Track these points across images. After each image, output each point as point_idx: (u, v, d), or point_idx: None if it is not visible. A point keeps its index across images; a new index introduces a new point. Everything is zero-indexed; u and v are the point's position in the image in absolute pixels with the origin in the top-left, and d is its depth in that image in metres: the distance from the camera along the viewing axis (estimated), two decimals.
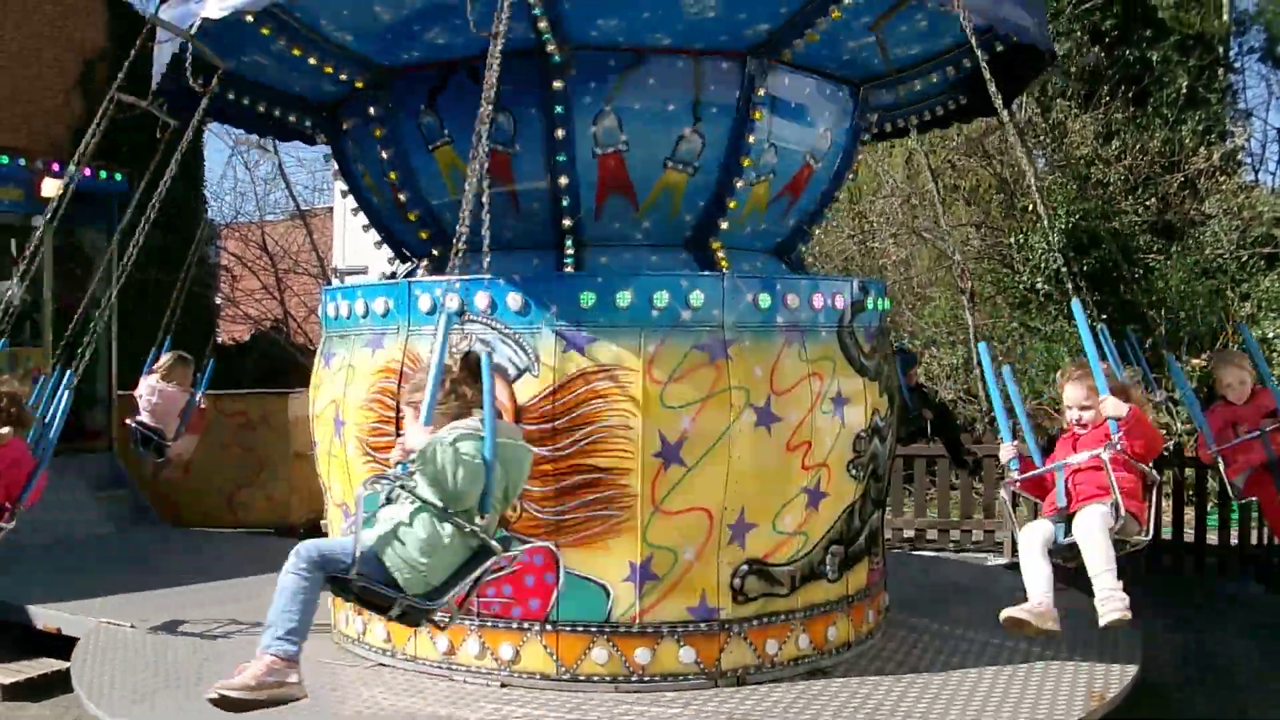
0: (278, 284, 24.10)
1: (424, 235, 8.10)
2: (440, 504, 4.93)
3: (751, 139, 7.57)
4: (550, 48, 7.01)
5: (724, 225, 7.71)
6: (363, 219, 8.91)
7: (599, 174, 7.42)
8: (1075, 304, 6.23)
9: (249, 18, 6.83)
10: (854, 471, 7.39)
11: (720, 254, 7.77)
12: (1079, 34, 19.69)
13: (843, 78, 8.29)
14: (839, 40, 7.49)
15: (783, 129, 7.84)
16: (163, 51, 7.64)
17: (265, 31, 7.17)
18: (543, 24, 6.78)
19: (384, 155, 7.89)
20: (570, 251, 7.58)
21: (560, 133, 7.23)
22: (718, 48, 7.41)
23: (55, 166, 14.76)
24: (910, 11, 7.13)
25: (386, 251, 9.09)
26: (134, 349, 16.52)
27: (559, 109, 7.20)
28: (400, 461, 5.28)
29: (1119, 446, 6.09)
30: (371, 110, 7.91)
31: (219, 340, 21.65)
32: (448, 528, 4.95)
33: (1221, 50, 22.85)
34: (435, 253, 7.97)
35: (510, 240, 7.72)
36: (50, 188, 14.37)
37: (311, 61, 7.56)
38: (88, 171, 15.33)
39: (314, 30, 7.31)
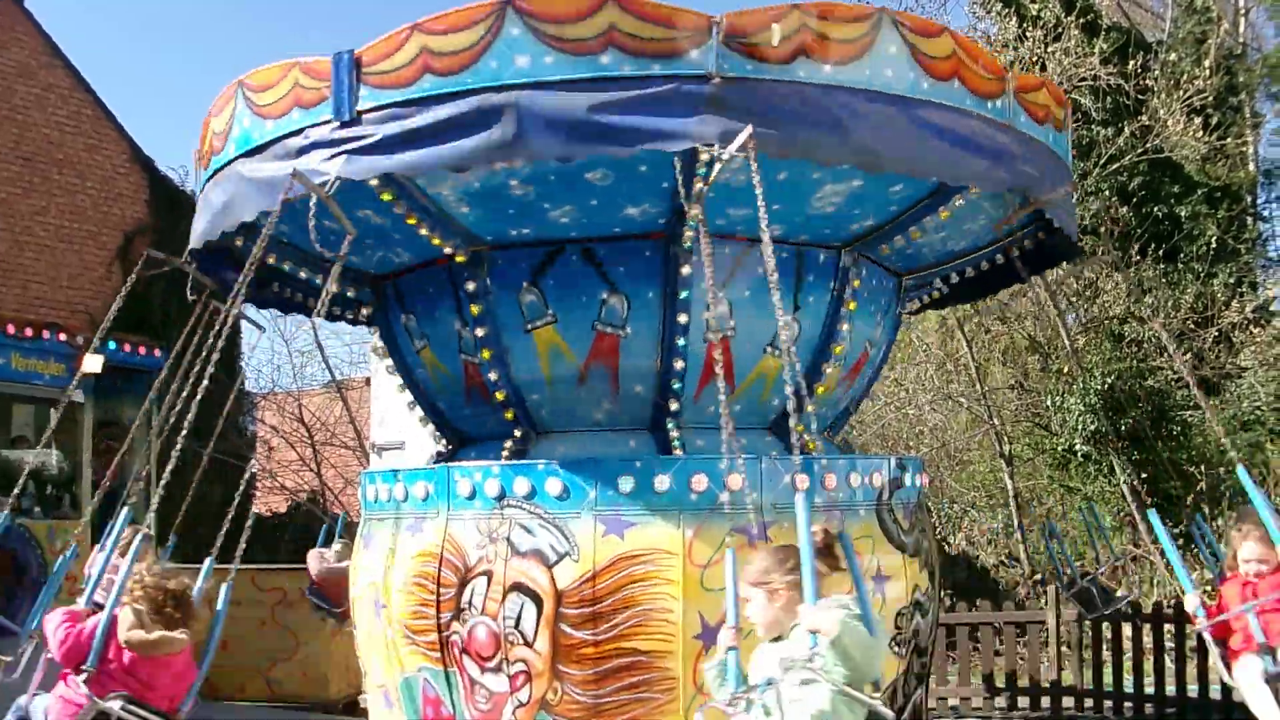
0: (315, 455, 24.21)
1: (509, 416, 7.93)
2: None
3: (844, 327, 7.72)
4: (685, 234, 7.07)
5: (810, 409, 7.75)
6: (407, 396, 8.94)
7: (705, 358, 7.39)
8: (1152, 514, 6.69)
9: (373, 181, 6.68)
10: (896, 648, 7.33)
11: (675, 437, 7.66)
12: (1107, 194, 19.87)
13: (891, 269, 8.52)
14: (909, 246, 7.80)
15: (856, 318, 8.00)
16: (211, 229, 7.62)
17: (386, 197, 6.95)
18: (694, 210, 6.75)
19: (478, 333, 7.66)
20: (675, 434, 7.56)
21: (683, 318, 7.28)
22: (820, 240, 7.60)
23: (97, 342, 15.00)
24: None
25: (419, 424, 9.12)
26: (171, 520, 16.61)
27: (684, 293, 7.25)
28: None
29: None
30: (470, 285, 7.65)
31: (256, 511, 21.70)
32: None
33: (1249, 200, 23.01)
34: (518, 434, 7.93)
35: (602, 421, 7.83)
36: (91, 363, 14.57)
37: (422, 231, 7.37)
38: (127, 347, 15.60)
39: (425, 196, 7.10)
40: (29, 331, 14.84)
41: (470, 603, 6.85)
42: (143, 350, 15.78)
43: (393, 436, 17.64)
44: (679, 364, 7.37)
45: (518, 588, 6.70)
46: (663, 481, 6.63)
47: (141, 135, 34.42)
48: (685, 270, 7.17)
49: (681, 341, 7.30)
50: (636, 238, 7.33)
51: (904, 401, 19.95)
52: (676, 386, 7.46)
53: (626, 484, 6.66)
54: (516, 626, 6.70)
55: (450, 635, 6.93)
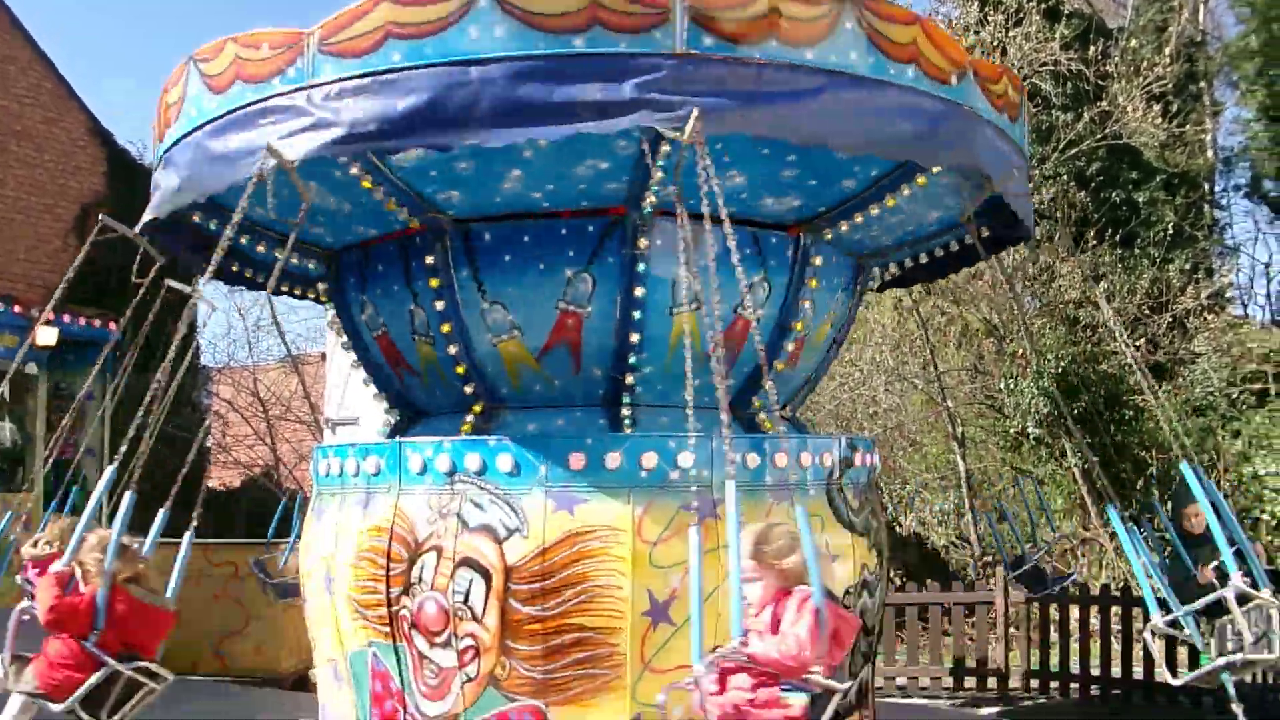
0: (269, 430, 24.10)
1: (469, 390, 7.88)
2: None
3: (806, 304, 7.76)
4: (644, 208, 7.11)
5: (767, 386, 7.78)
6: (362, 371, 8.92)
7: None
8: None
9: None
10: None
11: (762, 415, 7.83)
12: (1065, 178, 19.97)
13: (850, 252, 8.52)
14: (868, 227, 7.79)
15: (813, 298, 7.98)
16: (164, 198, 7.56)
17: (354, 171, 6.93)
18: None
19: (437, 306, 7.60)
20: (627, 411, 7.59)
21: (640, 291, 7.27)
22: (775, 221, 7.62)
23: (51, 315, 14.90)
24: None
25: (373, 400, 9.13)
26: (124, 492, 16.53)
27: (640, 268, 7.24)
28: None
29: None
30: (429, 260, 7.59)
31: (210, 485, 21.63)
32: None
33: (1207, 188, 23.16)
34: (478, 409, 7.92)
35: (555, 398, 7.80)
36: (45, 335, 14.49)
37: (378, 197, 7.24)
38: (82, 320, 15.54)
39: (386, 166, 7.02)
40: None
41: (420, 578, 6.84)
42: (97, 323, 15.70)
43: (347, 412, 17.58)
44: (635, 337, 7.37)
45: (467, 563, 6.70)
46: (614, 459, 6.64)
47: (101, 108, 34.23)
48: (642, 243, 7.17)
49: (638, 315, 7.30)
50: (590, 214, 7.29)
51: (859, 382, 20.02)
52: (634, 361, 7.46)
53: (578, 461, 6.66)
54: (465, 602, 6.70)
55: (399, 610, 6.93)
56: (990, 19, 19.65)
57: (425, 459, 6.93)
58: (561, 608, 6.60)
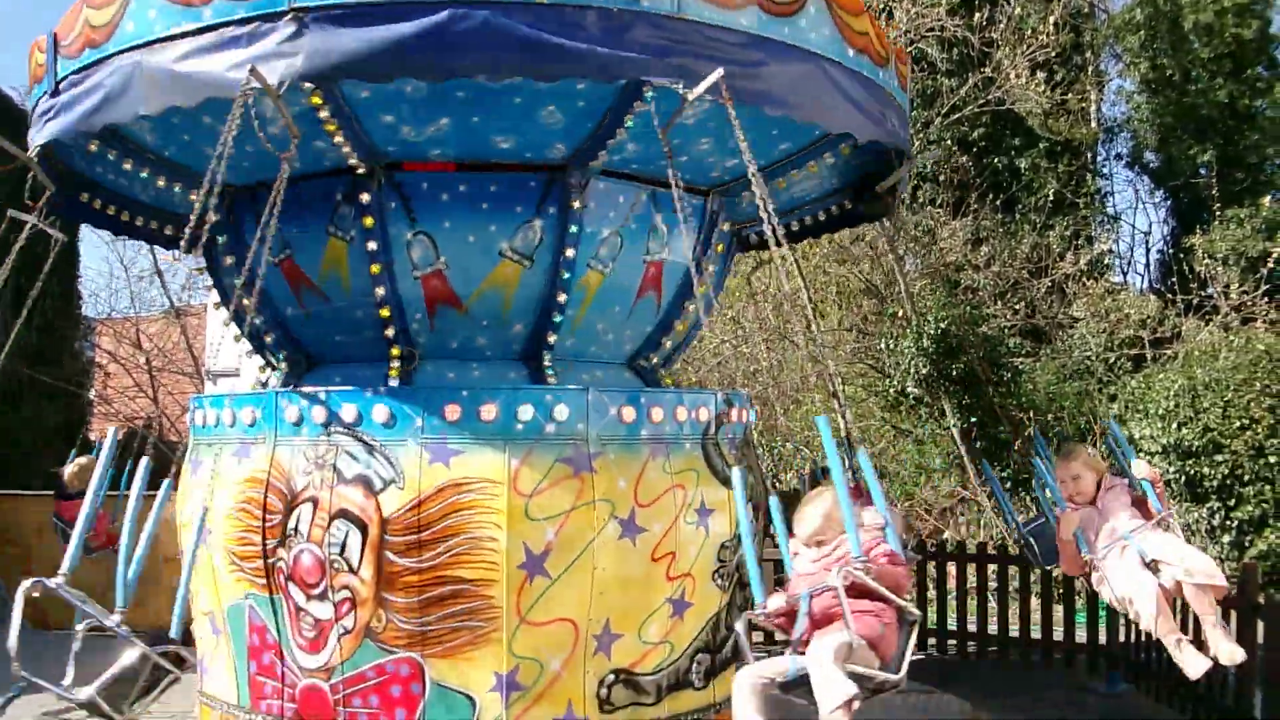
0: (151, 382, 23.76)
1: (269, 339, 8.25)
2: None
3: (574, 251, 7.56)
4: (355, 164, 7.13)
5: (552, 339, 7.79)
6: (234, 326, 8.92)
7: (423, 289, 7.52)
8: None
9: (93, 145, 7.06)
10: (719, 581, 7.47)
11: (549, 367, 7.85)
12: (948, 143, 20.17)
13: (688, 187, 8.03)
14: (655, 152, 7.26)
15: (615, 239, 7.88)
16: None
17: (92, 146, 7.46)
18: (345, 146, 6.89)
19: (227, 263, 8.10)
20: (397, 364, 7.68)
21: (374, 245, 7.36)
22: (533, 162, 7.46)
23: None
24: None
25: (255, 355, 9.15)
26: (3, 447, 16.30)
27: (372, 222, 7.33)
28: None
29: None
30: (233, 217, 8.06)
31: (91, 438, 21.29)
32: None
33: (1089, 156, 23.45)
34: (282, 358, 8.02)
35: (346, 353, 7.98)
36: None
37: (143, 174, 7.88)
38: None
39: (149, 150, 7.52)
40: None
41: (296, 529, 6.84)
42: None
43: (228, 363, 17.42)
44: (380, 290, 7.49)
45: (343, 514, 6.71)
46: (489, 410, 6.67)
47: None
48: (364, 198, 7.31)
49: (379, 268, 7.46)
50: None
51: (740, 339, 20.09)
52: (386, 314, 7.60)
53: (453, 412, 6.69)
54: (342, 553, 6.71)
55: (276, 562, 6.92)
56: None
57: (301, 409, 6.93)
58: (437, 560, 6.63)
